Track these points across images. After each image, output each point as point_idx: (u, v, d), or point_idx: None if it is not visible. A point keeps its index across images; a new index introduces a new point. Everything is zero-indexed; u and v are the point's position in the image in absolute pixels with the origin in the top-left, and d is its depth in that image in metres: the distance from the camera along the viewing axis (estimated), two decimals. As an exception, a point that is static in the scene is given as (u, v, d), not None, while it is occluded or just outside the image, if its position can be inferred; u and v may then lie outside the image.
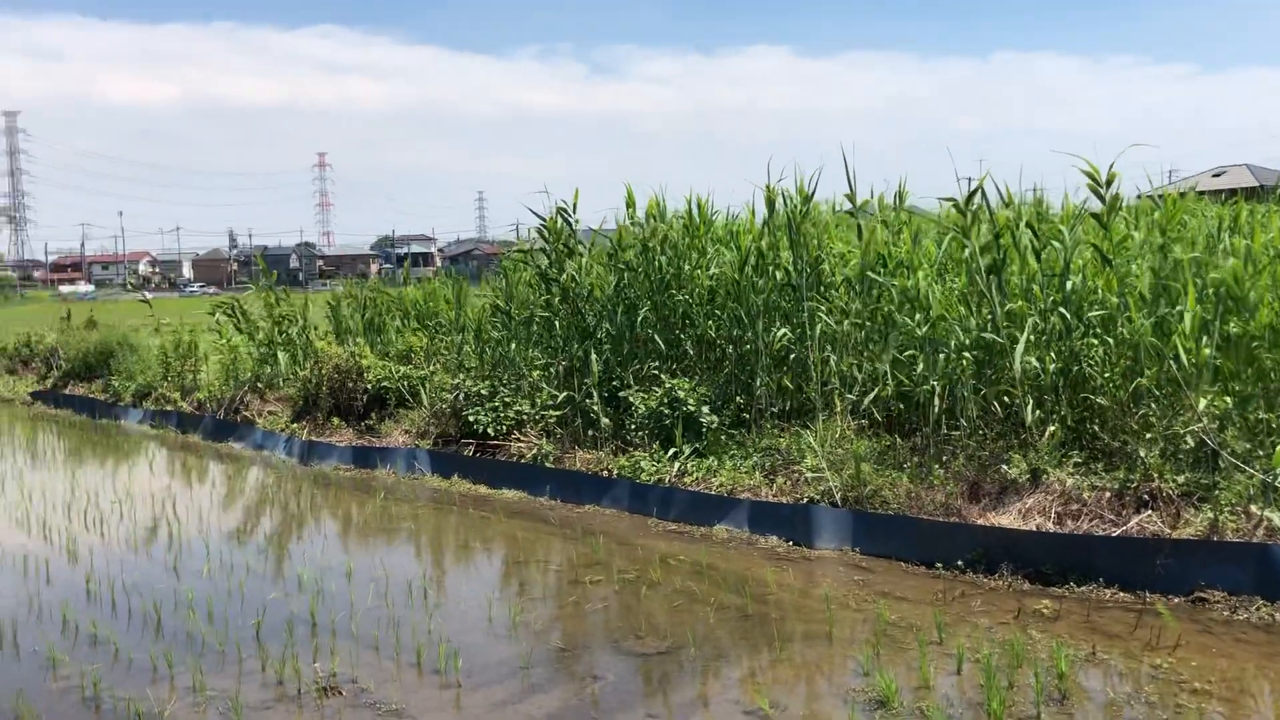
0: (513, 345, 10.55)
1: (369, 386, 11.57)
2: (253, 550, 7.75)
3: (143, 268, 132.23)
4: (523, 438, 9.60)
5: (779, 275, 8.71)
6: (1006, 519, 6.64)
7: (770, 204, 8.89)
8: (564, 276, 9.90)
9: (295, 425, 11.78)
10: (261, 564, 7.32)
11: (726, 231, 9.50)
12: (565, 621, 5.99)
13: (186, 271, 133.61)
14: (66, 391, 16.41)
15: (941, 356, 7.49)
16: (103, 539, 8.05)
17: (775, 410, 8.61)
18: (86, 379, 16.43)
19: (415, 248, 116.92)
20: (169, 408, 13.84)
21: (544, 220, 10.19)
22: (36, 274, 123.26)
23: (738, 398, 8.83)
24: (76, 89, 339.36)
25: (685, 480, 8.24)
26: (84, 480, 10.44)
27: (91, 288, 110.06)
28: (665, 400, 8.70)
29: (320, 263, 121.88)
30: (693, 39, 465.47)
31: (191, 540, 7.91)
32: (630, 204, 10.11)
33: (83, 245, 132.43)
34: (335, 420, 11.55)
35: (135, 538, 8.10)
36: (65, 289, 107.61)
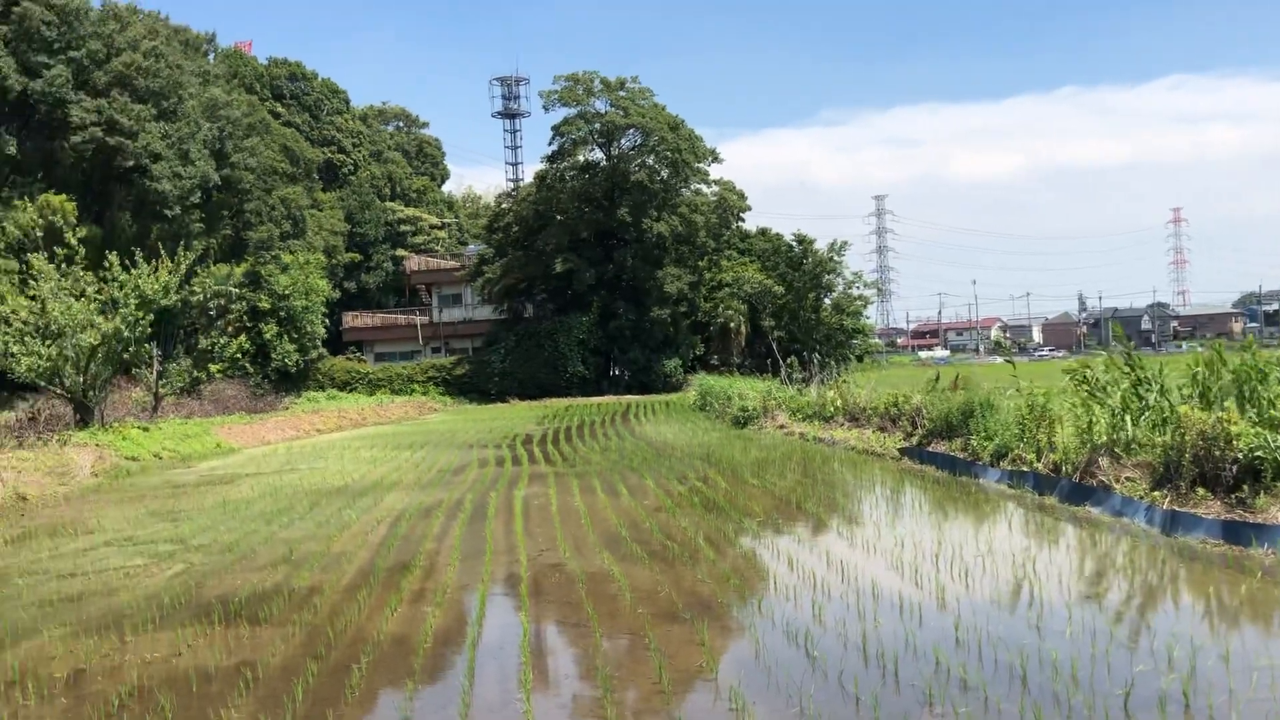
0: None
1: (1239, 456, 10.56)
2: (1113, 618, 7.50)
3: (994, 333, 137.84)
4: None
5: None
6: None
7: None
8: None
9: (1155, 493, 11.21)
10: (1123, 634, 7.05)
11: None
12: None
13: (1035, 335, 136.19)
14: (929, 449, 17.67)
15: None
16: (967, 589, 8.45)
17: None
18: (948, 437, 17.52)
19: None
20: (1024, 468, 14.11)
21: None
22: (899, 340, 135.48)
23: None
24: (930, 169, 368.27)
25: None
26: (948, 533, 11.10)
27: (946, 353, 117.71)
28: None
29: (1174, 323, 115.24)
30: None
31: (1051, 601, 7.93)
32: None
33: (939, 313, 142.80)
34: (1199, 490, 10.73)
35: (997, 592, 8.36)
36: (924, 354, 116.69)
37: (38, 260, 28.70)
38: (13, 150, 48.99)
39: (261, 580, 9.86)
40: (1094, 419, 13.28)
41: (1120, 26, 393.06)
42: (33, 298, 27.82)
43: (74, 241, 28.32)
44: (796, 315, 62.79)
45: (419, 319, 67.85)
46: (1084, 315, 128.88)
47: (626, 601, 8.45)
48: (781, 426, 25.48)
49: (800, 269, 63.89)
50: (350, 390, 58.34)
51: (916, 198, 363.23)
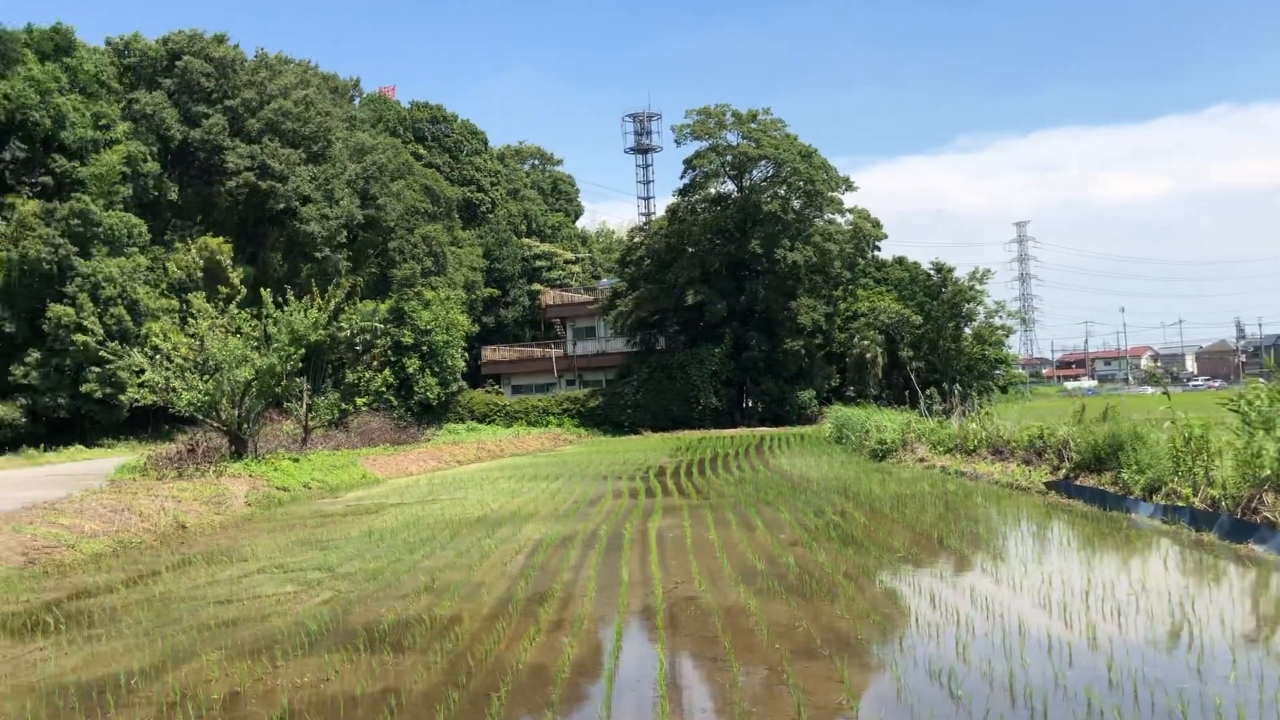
0: None
1: None
2: (1283, 664, 7.08)
3: (1144, 362, 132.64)
4: None
5: None
6: None
7: None
8: None
9: (1326, 530, 10.56)
10: (1295, 680, 6.63)
11: None
12: None
13: (1189, 365, 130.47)
14: (1077, 482, 17.02)
15: None
16: (1119, 629, 8.09)
17: None
18: (1096, 471, 16.86)
19: None
20: (1179, 503, 13.47)
21: None
22: (1044, 371, 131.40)
23: None
24: (1073, 194, 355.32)
25: None
26: (1098, 569, 10.65)
27: (1094, 383, 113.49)
28: None
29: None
30: None
31: (1213, 643, 7.52)
32: None
33: (1085, 343, 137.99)
34: (1377, 528, 10.06)
35: (1152, 633, 7.98)
36: (1069, 385, 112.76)
37: (198, 299, 30.30)
38: (175, 195, 52.00)
39: (405, 608, 10.11)
40: (1258, 452, 12.60)
41: (1276, 40, 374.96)
42: (192, 335, 29.30)
43: (237, 281, 29.78)
44: (936, 345, 61.51)
45: (554, 352, 68.94)
46: (1242, 343, 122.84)
47: (763, 636, 8.36)
48: (921, 460, 24.94)
49: (939, 298, 62.62)
50: (489, 422, 59.57)
51: (1059, 224, 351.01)
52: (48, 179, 48.26)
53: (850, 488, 19.75)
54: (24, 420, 44.78)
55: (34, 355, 44.70)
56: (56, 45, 50.45)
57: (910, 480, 20.97)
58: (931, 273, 64.58)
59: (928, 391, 32.86)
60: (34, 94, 47.08)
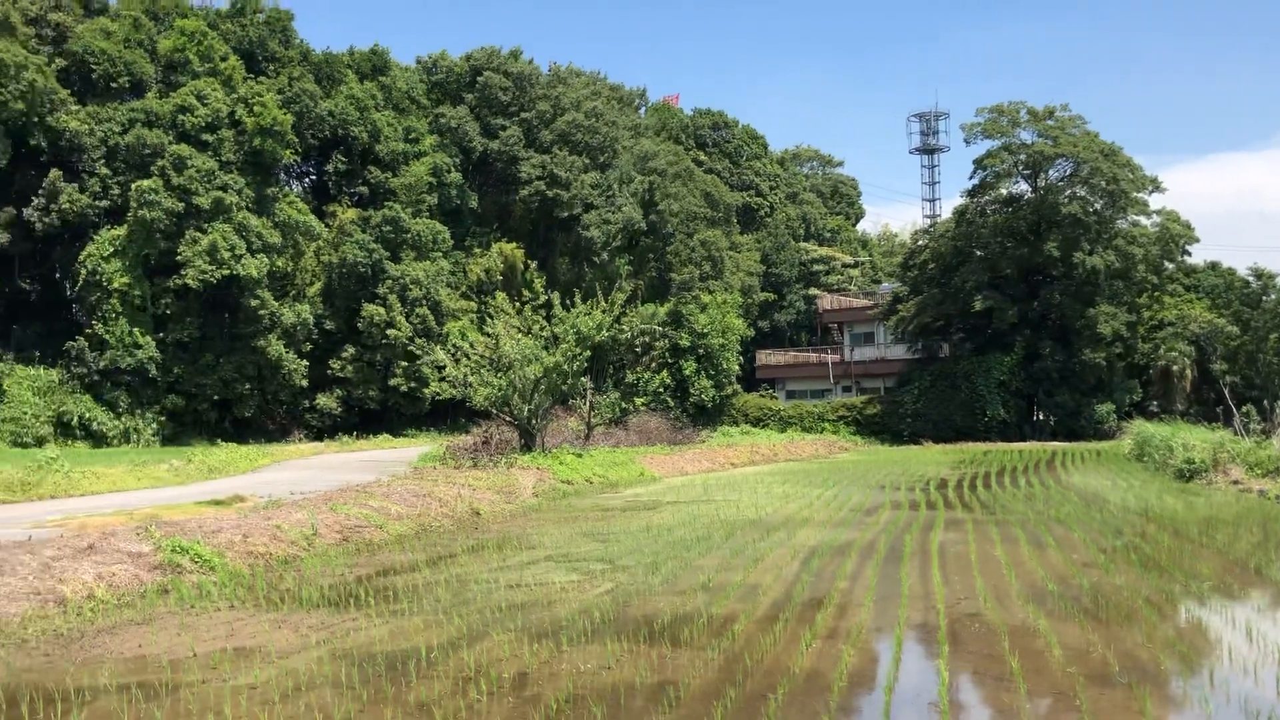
0: None
1: None
2: None
3: None
4: None
5: None
6: None
7: None
8: None
9: None
10: None
11: None
12: None
13: None
14: None
15: None
16: None
17: None
18: None
19: None
20: None
21: None
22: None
23: None
24: None
25: None
26: None
27: None
28: None
29: None
30: None
31: None
32: None
33: None
34: None
35: None
36: None
37: (501, 298, 32.29)
38: (474, 203, 55.37)
39: (681, 604, 10.28)
40: None
41: None
42: (488, 334, 31.10)
43: (540, 287, 31.48)
44: (1254, 358, 56.21)
45: (830, 357, 68.17)
46: None
47: (1054, 659, 7.91)
48: (1235, 482, 22.85)
49: (1259, 307, 57.17)
50: (762, 426, 59.66)
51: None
52: (364, 189, 52.60)
53: (1152, 509, 18.37)
54: (340, 410, 49.02)
55: (350, 350, 48.87)
56: (374, 65, 54.95)
57: (1222, 504, 19.26)
58: (1250, 279, 59.06)
59: (1244, 408, 30.08)
60: (354, 111, 51.46)
